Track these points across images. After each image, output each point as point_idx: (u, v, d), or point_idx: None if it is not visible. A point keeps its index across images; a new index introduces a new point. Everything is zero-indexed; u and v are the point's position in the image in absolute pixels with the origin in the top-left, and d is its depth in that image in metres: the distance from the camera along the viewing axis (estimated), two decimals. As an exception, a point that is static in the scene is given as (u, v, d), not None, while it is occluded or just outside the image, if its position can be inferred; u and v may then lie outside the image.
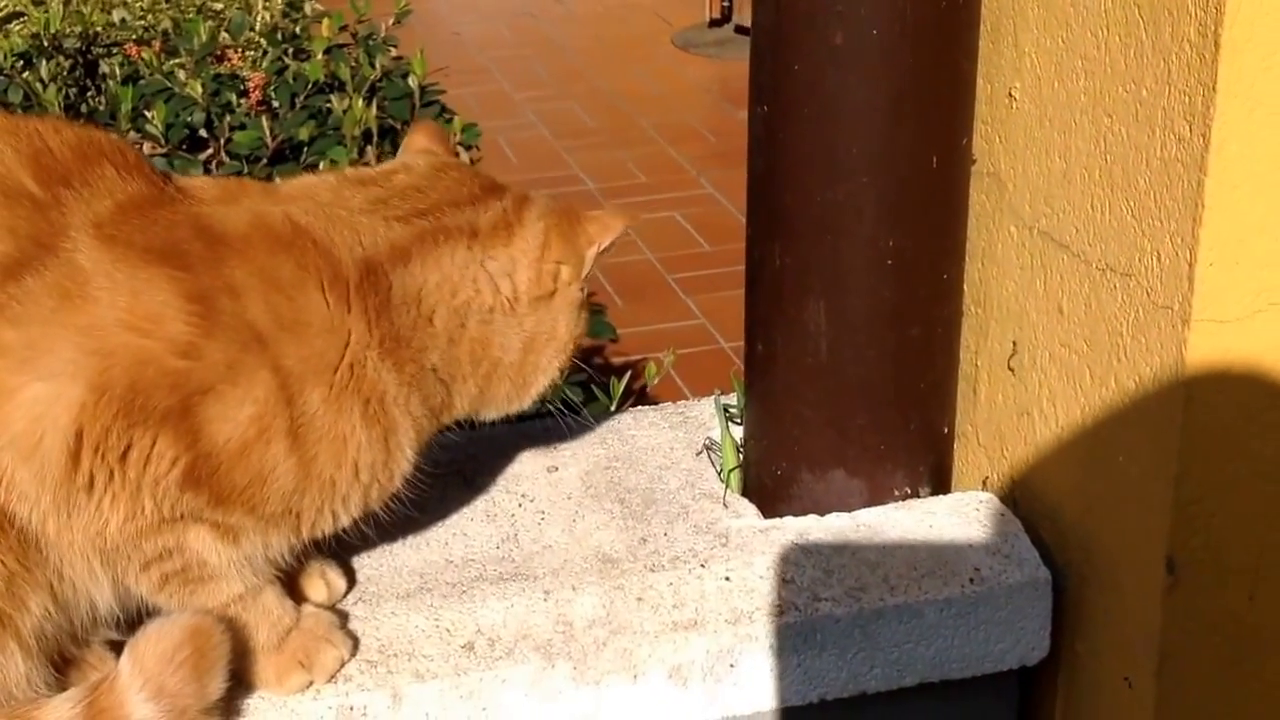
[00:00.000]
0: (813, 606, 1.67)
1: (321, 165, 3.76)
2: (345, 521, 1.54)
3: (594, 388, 3.00)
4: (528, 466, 1.89)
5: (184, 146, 4.10)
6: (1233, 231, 1.49)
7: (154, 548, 1.44)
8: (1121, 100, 1.57)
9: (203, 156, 4.10)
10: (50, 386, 1.34)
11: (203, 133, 4.13)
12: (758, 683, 1.67)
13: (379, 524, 1.61)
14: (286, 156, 3.97)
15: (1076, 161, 1.65)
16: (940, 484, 1.84)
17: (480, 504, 1.82)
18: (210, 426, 1.40)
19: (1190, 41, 1.47)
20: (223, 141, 4.05)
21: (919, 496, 1.82)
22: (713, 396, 2.00)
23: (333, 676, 1.57)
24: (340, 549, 1.68)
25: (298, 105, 4.19)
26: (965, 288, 1.86)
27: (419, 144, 1.68)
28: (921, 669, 1.71)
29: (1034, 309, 1.75)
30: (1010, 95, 1.74)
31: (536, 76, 7.30)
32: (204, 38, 4.56)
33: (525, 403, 1.65)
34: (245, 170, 3.88)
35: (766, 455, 1.83)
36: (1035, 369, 1.76)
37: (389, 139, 4.02)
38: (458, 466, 1.88)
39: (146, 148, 4.10)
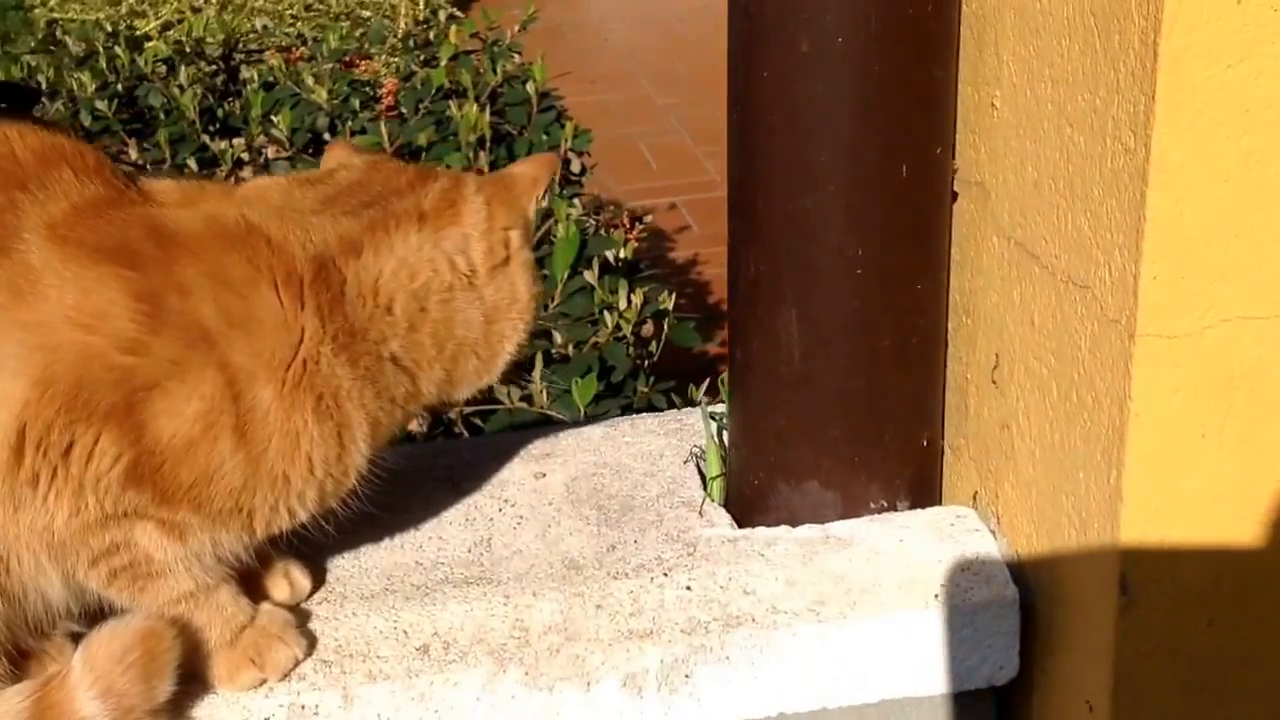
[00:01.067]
0: (771, 619, 1.67)
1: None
2: (302, 518, 1.57)
3: (673, 395, 3.03)
4: (517, 472, 1.91)
5: (309, 150, 4.22)
6: (1177, 244, 1.45)
7: (101, 543, 1.49)
8: (1080, 109, 1.53)
9: (329, 160, 4.20)
10: None
11: (327, 137, 4.24)
12: (714, 695, 1.66)
13: (340, 522, 1.63)
14: (406, 161, 4.05)
15: (1045, 171, 1.62)
16: (922, 497, 1.82)
17: (461, 508, 1.85)
18: (155, 423, 1.44)
19: (1134, 49, 1.44)
20: (344, 146, 4.14)
21: (896, 510, 1.80)
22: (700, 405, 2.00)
23: (286, 675, 1.60)
24: (311, 549, 1.71)
25: (421, 111, 4.28)
26: (955, 299, 1.83)
27: (337, 157, 1.71)
28: (884, 684, 1.69)
29: (1012, 321, 1.72)
30: (992, 104, 1.71)
31: (681, 82, 7.30)
32: (334, 44, 4.68)
33: (494, 374, 1.68)
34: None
35: (745, 465, 1.82)
36: (1014, 382, 1.73)
37: (505, 145, 4.08)
38: (448, 472, 1.91)
39: (271, 151, 4.23)
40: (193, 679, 1.59)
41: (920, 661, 1.69)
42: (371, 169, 1.63)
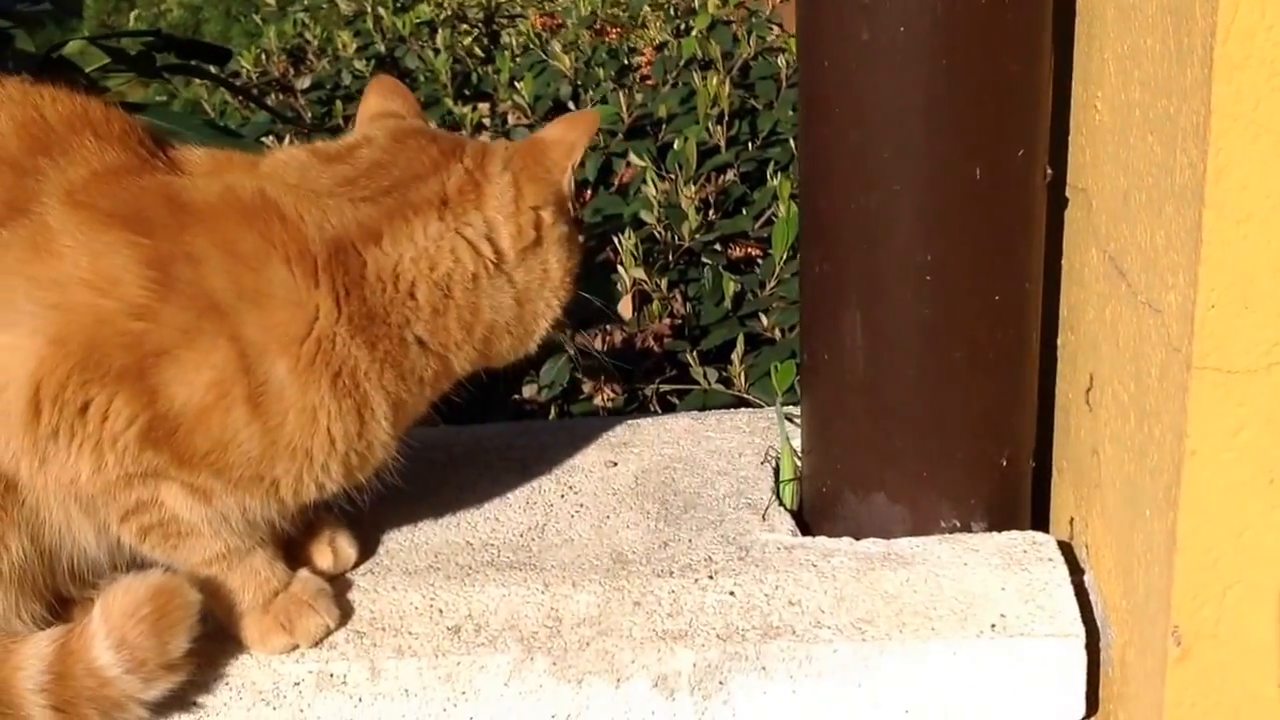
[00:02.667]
0: (812, 633, 1.60)
1: (676, 143, 3.81)
2: (331, 489, 1.57)
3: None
4: (590, 459, 1.88)
5: (551, 117, 4.25)
6: (1238, 271, 1.32)
7: (128, 500, 1.52)
8: (1159, 115, 1.41)
9: (567, 128, 4.22)
10: (10, 338, 1.43)
11: (570, 105, 4.27)
12: (750, 705, 1.60)
13: (400, 495, 1.65)
14: (647, 132, 4.05)
15: (1132, 181, 1.50)
16: (1002, 519, 1.71)
17: (524, 491, 1.83)
18: (168, 389, 1.46)
19: (1198, 53, 1.31)
20: (584, 115, 4.16)
21: (970, 530, 1.70)
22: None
23: (318, 642, 1.61)
24: (367, 520, 1.72)
25: (671, 81, 4.26)
26: (1063, 313, 1.72)
27: (373, 106, 1.69)
28: (929, 713, 1.60)
29: (1104, 340, 1.60)
30: (1095, 105, 1.60)
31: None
32: (584, 11, 4.70)
33: (532, 346, 1.66)
34: (604, 144, 3.99)
35: (815, 471, 1.75)
36: (1103, 406, 1.62)
37: (748, 119, 4.02)
38: (522, 454, 1.89)
39: (513, 118, 4.28)
40: (231, 636, 1.62)
41: (969, 695, 1.59)
42: (396, 145, 1.61)
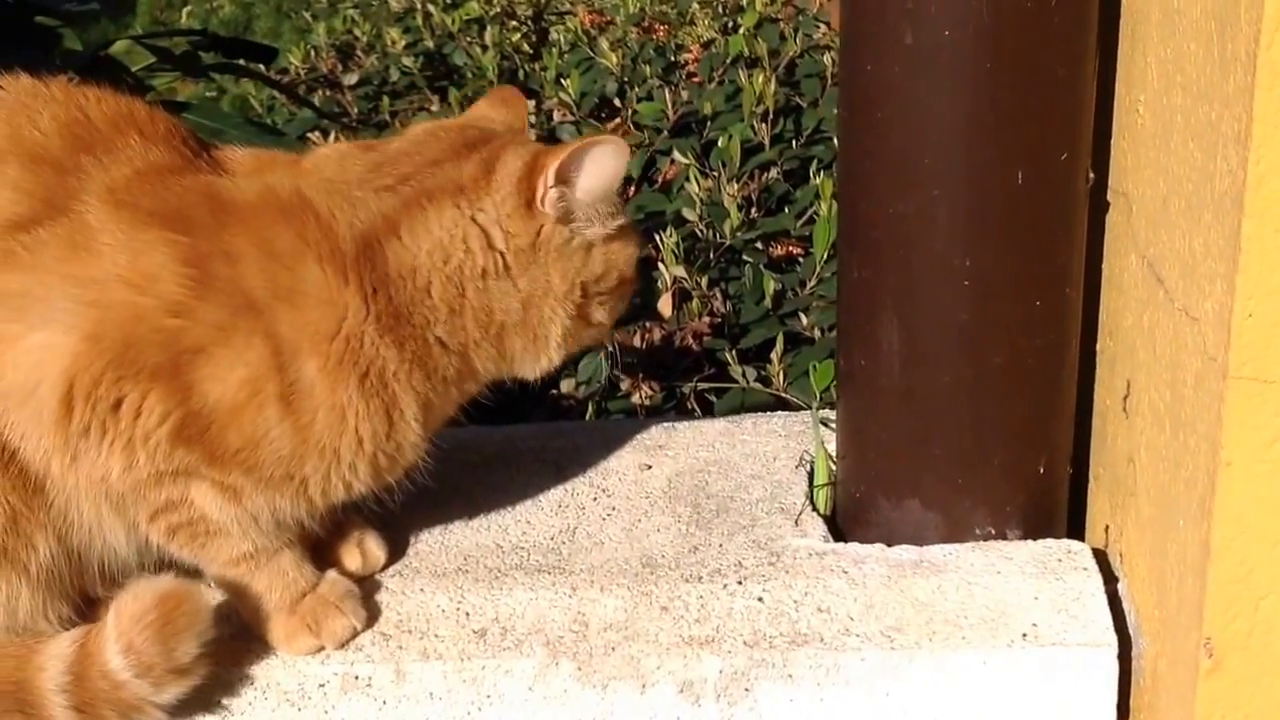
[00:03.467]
0: (841, 641, 1.58)
1: (720, 141, 3.80)
2: (359, 490, 1.57)
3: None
4: (624, 462, 1.87)
5: (602, 115, 4.24)
6: (1276, 279, 1.30)
7: (157, 499, 1.52)
8: (1200, 121, 1.39)
9: (610, 125, 4.22)
10: (46, 335, 1.43)
11: (616, 102, 4.26)
12: (776, 711, 1.58)
13: (433, 496, 1.64)
14: (692, 129, 4.03)
15: (1171, 187, 1.47)
16: (1037, 527, 1.69)
17: (556, 493, 1.82)
18: (202, 386, 1.45)
19: (1241, 60, 1.29)
20: (630, 112, 4.16)
21: (1005, 538, 1.68)
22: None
23: (344, 644, 1.61)
24: (398, 522, 1.71)
25: (716, 79, 4.24)
26: (1102, 318, 1.70)
27: (473, 111, 1.68)
28: (959, 723, 1.58)
29: (1142, 347, 1.58)
30: (1137, 109, 1.57)
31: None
32: (632, 9, 4.68)
33: (549, 354, 1.62)
34: (647, 141, 3.98)
35: (848, 476, 1.73)
36: (1139, 413, 1.59)
37: (793, 117, 4.00)
38: (556, 455, 1.88)
39: (558, 115, 4.27)
40: (257, 637, 1.62)
41: (999, 705, 1.57)
42: (428, 135, 1.60)
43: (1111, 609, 1.59)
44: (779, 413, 1.98)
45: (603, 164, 1.56)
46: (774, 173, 3.73)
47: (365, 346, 1.49)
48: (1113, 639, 1.56)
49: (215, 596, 1.61)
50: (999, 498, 1.66)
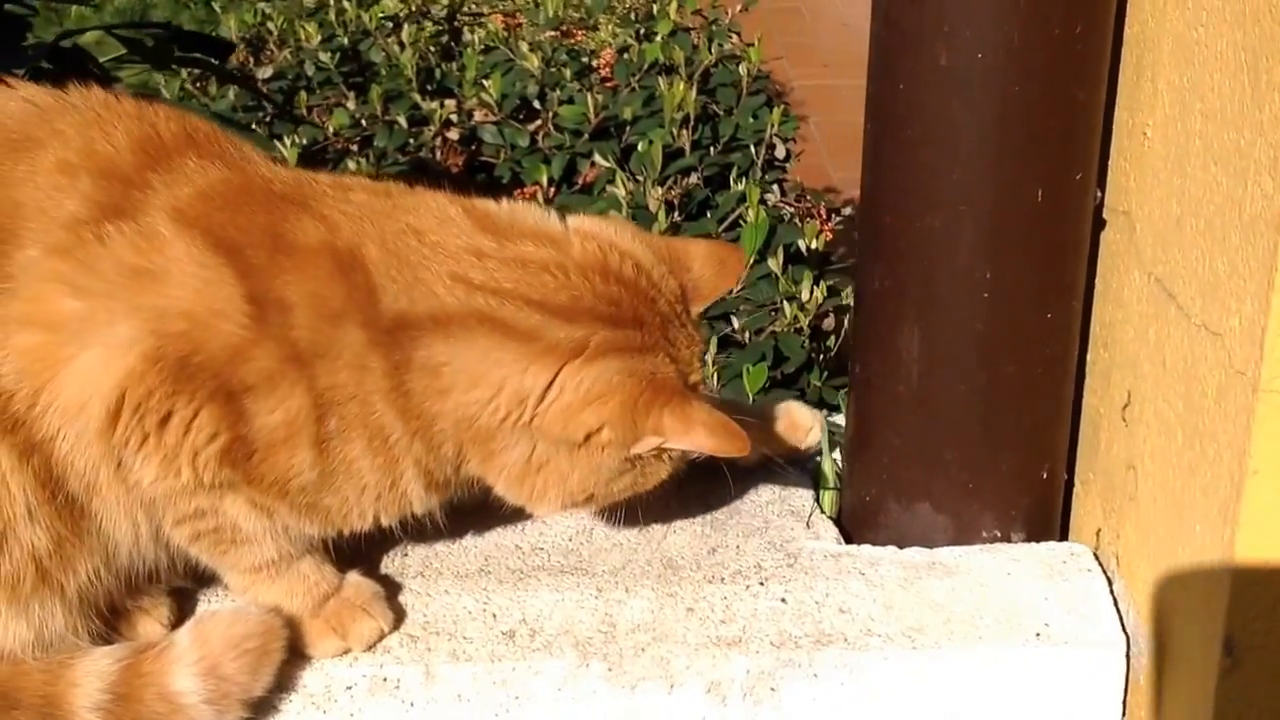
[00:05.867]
0: (864, 641, 1.63)
1: (641, 145, 3.84)
2: (383, 523, 1.59)
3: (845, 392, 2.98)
4: (630, 463, 1.90)
5: (521, 116, 4.26)
6: (1309, 299, 1.37)
7: (188, 506, 1.51)
8: (1226, 147, 1.46)
9: (532, 127, 4.24)
10: (104, 353, 1.41)
11: (536, 104, 4.28)
12: (800, 710, 1.63)
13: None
14: (610, 133, 4.07)
15: (1188, 208, 1.55)
16: (1039, 530, 1.76)
17: (568, 494, 1.85)
18: (249, 416, 1.45)
19: (1279, 90, 1.36)
20: (551, 114, 4.19)
21: (1010, 541, 1.75)
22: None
23: (371, 646, 1.62)
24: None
25: (633, 85, 4.28)
26: (1095, 330, 1.77)
27: (689, 250, 1.61)
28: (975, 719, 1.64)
29: (1146, 359, 1.65)
30: (1144, 133, 1.65)
31: (922, 72, 7.15)
32: (550, 13, 4.71)
33: (540, 511, 1.61)
34: (569, 144, 4.01)
35: (857, 480, 1.79)
36: (1142, 422, 1.66)
37: (710, 124, 4.06)
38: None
39: (479, 115, 4.28)
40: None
41: (1014, 702, 1.63)
42: (566, 267, 1.51)
43: (1111, 609, 1.67)
44: (780, 417, 2.03)
45: (709, 449, 1.53)
46: (694, 178, 3.79)
47: (375, 411, 1.48)
48: (1122, 638, 1.63)
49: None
50: (1006, 501, 1.73)
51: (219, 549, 1.57)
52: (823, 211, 3.83)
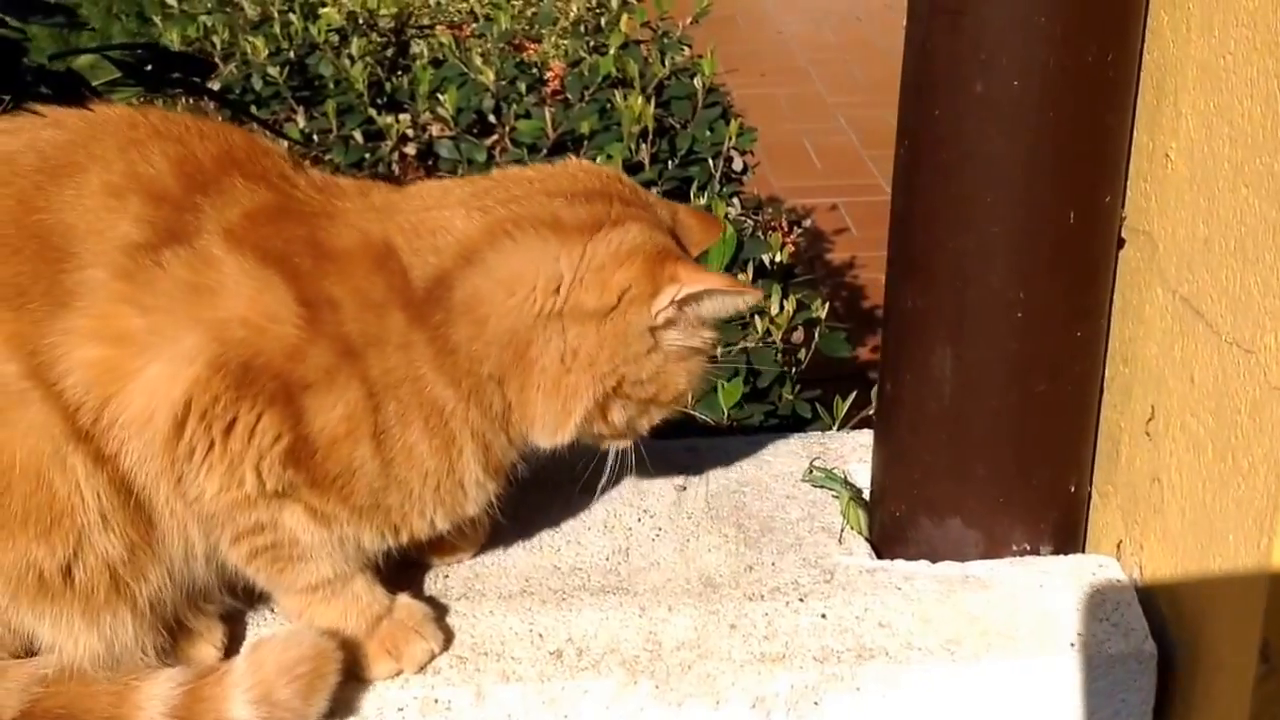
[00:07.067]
0: (905, 654, 1.67)
1: (599, 160, 3.86)
2: (438, 525, 1.61)
3: (817, 405, 3.02)
4: (657, 483, 1.93)
5: (474, 131, 4.26)
6: (1348, 319, 1.43)
7: (247, 521, 1.53)
8: (1258, 171, 1.51)
9: (488, 142, 4.25)
10: (170, 366, 1.45)
11: (491, 119, 4.28)
12: (842, 723, 1.67)
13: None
14: (567, 147, 4.09)
15: (1216, 229, 1.60)
16: (1065, 543, 1.80)
17: (600, 514, 1.87)
18: (310, 415, 1.49)
19: (1319, 118, 1.41)
20: (507, 129, 4.19)
21: (1039, 554, 1.79)
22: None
23: (422, 668, 1.64)
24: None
25: (586, 98, 4.30)
26: (1115, 345, 1.82)
27: (671, 206, 1.68)
28: (1013, 729, 1.69)
29: (1171, 375, 1.70)
30: (1167, 155, 1.69)
31: (854, 81, 7.23)
32: (504, 26, 4.71)
33: (566, 429, 1.60)
34: (525, 158, 4.02)
35: (888, 496, 1.83)
36: (1168, 436, 1.71)
37: (667, 138, 4.09)
38: (584, 475, 1.93)
39: (435, 129, 4.28)
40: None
41: (1051, 711, 1.68)
42: (559, 172, 1.63)
43: (1137, 618, 1.72)
44: (795, 434, 2.07)
45: (730, 306, 1.61)
46: (655, 192, 3.81)
47: (427, 386, 1.52)
48: (1154, 647, 1.68)
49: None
50: (1036, 515, 1.77)
51: (276, 566, 1.58)
52: (784, 224, 3.88)
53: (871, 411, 2.88)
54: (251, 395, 1.47)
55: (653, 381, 1.61)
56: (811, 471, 1.93)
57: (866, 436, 2.01)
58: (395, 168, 4.07)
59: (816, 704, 1.66)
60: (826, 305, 3.28)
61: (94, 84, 2.31)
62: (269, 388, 1.47)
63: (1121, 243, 1.79)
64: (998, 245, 1.65)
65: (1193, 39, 1.62)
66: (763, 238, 3.66)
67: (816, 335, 3.21)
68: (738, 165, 4.00)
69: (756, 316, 3.18)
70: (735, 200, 3.81)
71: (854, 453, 2.00)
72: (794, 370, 3.20)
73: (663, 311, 1.57)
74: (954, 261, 1.67)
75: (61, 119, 1.56)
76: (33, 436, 1.44)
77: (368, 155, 4.09)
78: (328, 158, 4.12)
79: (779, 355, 3.16)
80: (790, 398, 3.10)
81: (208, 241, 1.47)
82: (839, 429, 2.72)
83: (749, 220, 3.81)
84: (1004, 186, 1.63)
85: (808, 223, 4.03)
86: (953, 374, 1.71)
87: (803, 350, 3.23)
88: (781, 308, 3.19)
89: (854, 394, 2.87)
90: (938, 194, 1.66)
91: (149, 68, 2.31)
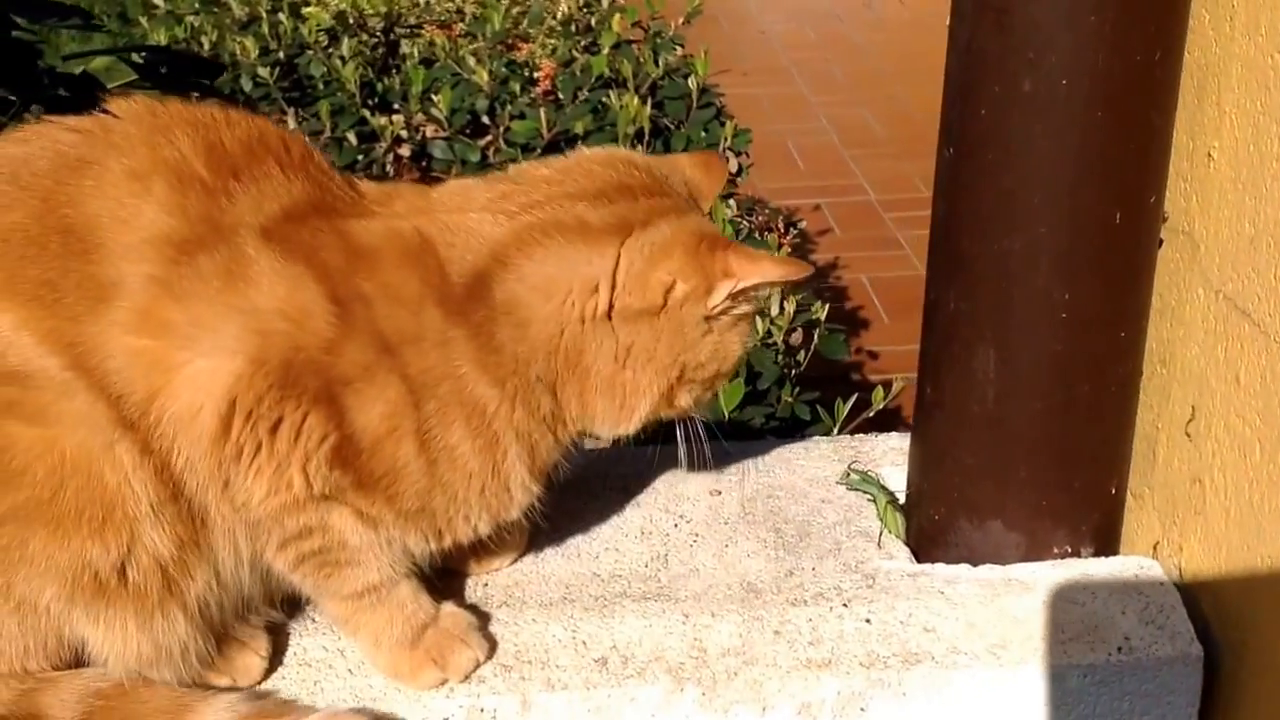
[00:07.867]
0: (951, 659, 1.66)
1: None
2: (481, 528, 1.59)
3: (819, 407, 3.00)
4: (692, 488, 1.91)
5: (467, 131, 4.23)
6: None
7: (295, 525, 1.51)
8: (1309, 171, 1.51)
9: (482, 142, 4.22)
10: (214, 360, 1.43)
11: (485, 119, 4.26)
12: (888, 728, 1.66)
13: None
14: (561, 148, 4.06)
15: (1264, 229, 1.59)
16: (1105, 545, 1.79)
17: (637, 520, 1.85)
18: (352, 414, 1.47)
19: (1375, 117, 1.41)
20: (502, 130, 4.17)
21: (1080, 556, 1.78)
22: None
23: (467, 677, 1.62)
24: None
25: (579, 98, 4.27)
26: (1152, 346, 1.81)
27: (674, 163, 1.68)
28: (1060, 733, 1.68)
29: (1214, 375, 1.69)
30: (1209, 155, 1.69)
31: (834, 81, 7.23)
32: (497, 26, 4.68)
33: (630, 423, 1.60)
34: (520, 159, 3.99)
35: (926, 499, 1.81)
36: (1210, 437, 1.70)
37: (662, 138, 4.07)
38: (622, 481, 1.91)
39: (429, 130, 4.25)
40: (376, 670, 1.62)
41: (1097, 715, 1.67)
42: (574, 168, 1.61)
43: (1181, 620, 1.71)
44: (824, 438, 2.05)
45: (779, 279, 1.60)
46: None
47: (468, 385, 1.51)
48: (1200, 649, 1.67)
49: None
50: (1078, 517, 1.76)
51: (323, 572, 1.56)
52: (780, 225, 3.87)
53: (868, 416, 2.90)
54: (295, 395, 1.45)
55: (713, 360, 1.61)
56: (849, 475, 1.92)
57: (899, 440, 2.00)
58: (390, 169, 4.04)
59: (863, 710, 1.65)
60: (826, 307, 3.27)
61: (109, 86, 2.28)
62: (311, 387, 1.45)
63: (1159, 243, 1.78)
64: (1043, 246, 1.64)
65: (1236, 38, 1.62)
66: (760, 238, 3.65)
67: (815, 338, 3.20)
68: (733, 166, 3.98)
69: (757, 317, 3.17)
70: (731, 202, 3.79)
71: (885, 456, 1.98)
72: (793, 372, 3.19)
73: (719, 305, 1.56)
74: (999, 262, 1.66)
75: (77, 122, 1.53)
76: (81, 429, 1.42)
77: (361, 156, 4.06)
78: (322, 159, 4.07)
79: (778, 357, 3.15)
80: (789, 399, 3.09)
81: (245, 234, 1.45)
82: (839, 432, 2.71)
83: (744, 222, 3.80)
84: (1050, 186, 1.62)
85: (802, 224, 4.01)
86: (996, 376, 1.69)
87: (802, 352, 3.22)
88: (782, 309, 3.18)
89: (854, 396, 2.86)
90: (982, 194, 1.65)
91: (164, 70, 2.28)
